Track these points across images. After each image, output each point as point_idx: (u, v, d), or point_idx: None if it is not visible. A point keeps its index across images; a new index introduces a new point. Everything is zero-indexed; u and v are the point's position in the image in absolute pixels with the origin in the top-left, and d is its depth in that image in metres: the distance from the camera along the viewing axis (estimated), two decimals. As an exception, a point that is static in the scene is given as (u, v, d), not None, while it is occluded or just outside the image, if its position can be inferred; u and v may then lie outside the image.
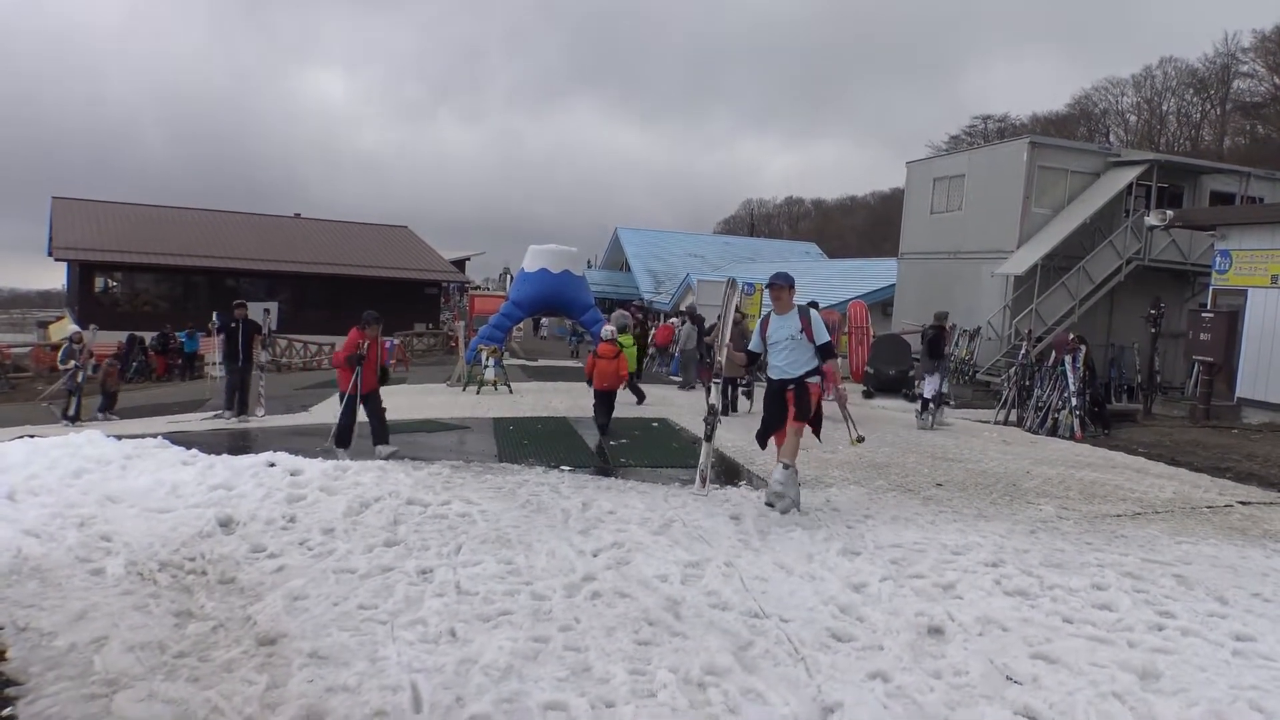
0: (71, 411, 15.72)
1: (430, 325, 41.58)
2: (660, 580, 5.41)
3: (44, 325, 51.12)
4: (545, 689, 3.91)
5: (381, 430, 10.04)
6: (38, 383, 29.35)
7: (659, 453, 10.42)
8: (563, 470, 8.87)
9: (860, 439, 7.96)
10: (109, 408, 16.70)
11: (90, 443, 7.73)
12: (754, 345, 7.80)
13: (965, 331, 23.07)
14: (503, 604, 4.92)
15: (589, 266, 46.59)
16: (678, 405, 15.48)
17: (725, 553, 6.06)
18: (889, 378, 20.03)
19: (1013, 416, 15.54)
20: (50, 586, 5.07)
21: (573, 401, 15.38)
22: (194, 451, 7.95)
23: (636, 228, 52.08)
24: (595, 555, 5.82)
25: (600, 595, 5.13)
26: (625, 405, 13.56)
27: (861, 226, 73.58)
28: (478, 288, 45.30)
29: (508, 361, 20.12)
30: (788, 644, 4.56)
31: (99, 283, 40.71)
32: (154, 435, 8.82)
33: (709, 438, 7.90)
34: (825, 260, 48.78)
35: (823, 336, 7.46)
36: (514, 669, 4.13)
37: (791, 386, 7.41)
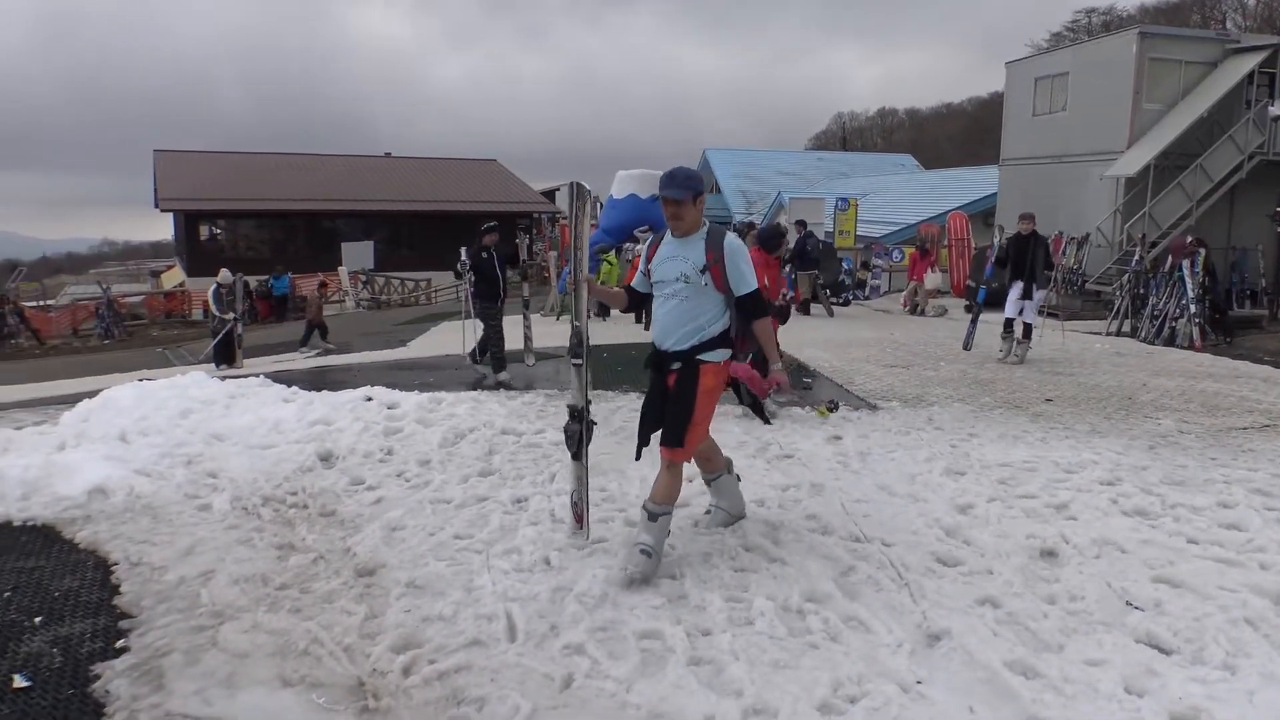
0: (225, 360, 14.96)
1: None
2: (757, 505, 5.29)
3: (156, 274, 53.21)
4: (640, 617, 3.85)
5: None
6: (152, 329, 30.63)
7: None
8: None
9: (832, 407, 5.65)
10: (315, 339, 16.68)
11: (196, 384, 7.93)
12: (636, 282, 4.73)
13: (1073, 239, 22.05)
14: (597, 531, 4.86)
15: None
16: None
17: (824, 475, 5.90)
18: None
19: (1126, 327, 14.85)
20: (161, 522, 5.22)
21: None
22: (294, 389, 8.11)
23: (725, 147, 51.17)
24: (690, 480, 5.70)
25: (695, 521, 5.05)
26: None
27: (958, 135, 70.77)
28: (568, 217, 45.17)
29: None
30: (891, 569, 4.40)
31: (204, 231, 42.03)
32: (257, 375, 9.02)
33: (576, 455, 4.52)
34: (921, 171, 47.16)
35: (744, 281, 4.36)
36: (609, 597, 4.08)
37: (675, 368, 4.41)
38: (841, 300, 21.05)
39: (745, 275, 4.35)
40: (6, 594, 4.41)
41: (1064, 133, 23.63)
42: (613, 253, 20.23)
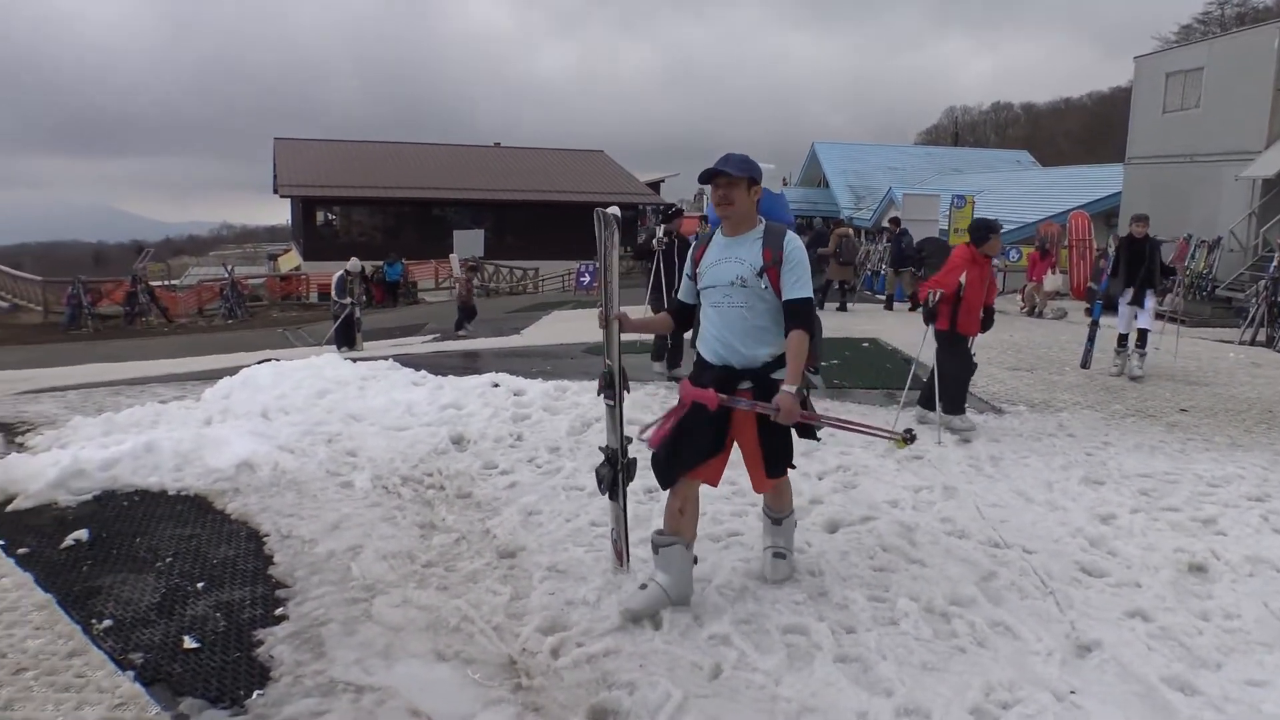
0: (346, 343, 15.48)
1: (627, 249, 42.05)
2: (890, 505, 5.25)
3: (273, 258, 55.17)
4: (783, 611, 3.86)
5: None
6: (271, 311, 31.77)
7: (873, 373, 10.10)
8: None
9: (909, 438, 4.17)
10: (467, 321, 16.98)
11: (330, 365, 8.22)
12: (682, 293, 4.27)
13: (1203, 242, 21.13)
14: (731, 524, 4.90)
15: (783, 184, 45.70)
16: (889, 323, 14.98)
17: (956, 478, 5.81)
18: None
19: (1261, 336, 14.17)
20: (306, 498, 5.43)
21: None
22: (423, 373, 8.33)
23: (833, 141, 50.55)
24: (820, 478, 5.70)
25: (830, 519, 5.03)
26: (832, 327, 13.23)
27: (1077, 131, 68.38)
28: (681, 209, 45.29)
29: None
30: (1034, 576, 4.32)
31: (319, 216, 43.42)
32: (385, 358, 9.30)
33: (614, 496, 4.20)
34: (1038, 169, 45.74)
35: (800, 284, 3.83)
36: (749, 590, 4.10)
37: (746, 388, 3.88)
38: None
39: (802, 278, 3.84)
40: (169, 559, 4.66)
41: (1196, 131, 22.66)
42: None
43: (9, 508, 5.42)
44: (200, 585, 4.29)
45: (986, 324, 7.38)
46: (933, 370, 7.27)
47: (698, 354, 4.07)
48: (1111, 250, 10.71)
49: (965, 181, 38.16)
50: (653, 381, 9.16)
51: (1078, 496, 5.52)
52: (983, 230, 7.38)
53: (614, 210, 3.99)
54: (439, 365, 9.65)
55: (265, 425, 6.69)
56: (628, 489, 4.22)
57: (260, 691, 3.31)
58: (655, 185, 49.26)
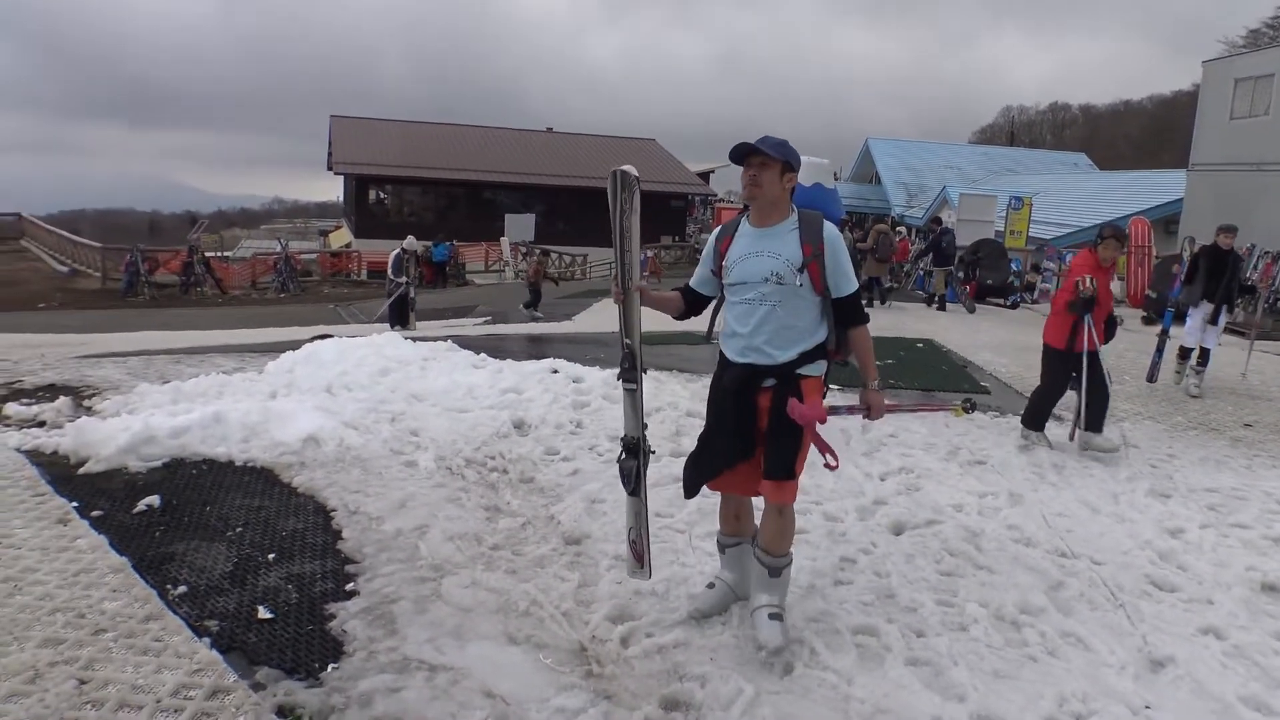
0: (400, 322, 15.54)
1: (676, 238, 42.03)
2: (955, 509, 5.21)
3: (324, 234, 55.81)
4: (851, 612, 3.86)
5: None
6: (323, 286, 32.14)
7: (929, 375, 9.98)
8: (831, 389, 8.67)
9: (969, 407, 4.52)
10: (536, 304, 17.04)
11: (390, 343, 8.31)
12: (698, 281, 3.83)
13: (1266, 252, 20.67)
14: (798, 522, 4.88)
15: (834, 179, 45.42)
16: (942, 323, 14.84)
17: (1021, 485, 5.75)
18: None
19: (1327, 351, 13.84)
20: (371, 475, 5.49)
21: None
22: (482, 356, 8.39)
23: (887, 138, 50.06)
24: (883, 479, 5.67)
25: (895, 520, 5.00)
26: (883, 325, 13.13)
27: (1137, 135, 67.12)
28: (723, 200, 45.21)
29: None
30: (1103, 588, 4.27)
31: (371, 195, 43.81)
32: (444, 339, 9.37)
33: (633, 490, 3.72)
34: (1096, 172, 44.94)
35: (848, 280, 3.57)
36: (816, 588, 4.10)
37: (770, 385, 3.56)
38: (1009, 303, 20.37)
39: (848, 273, 3.53)
40: (239, 528, 4.74)
41: (1266, 139, 22.14)
42: None
43: (81, 470, 5.55)
44: (271, 557, 4.36)
45: (1109, 334, 6.98)
46: (1040, 387, 7.02)
47: (720, 352, 3.74)
48: (1187, 256, 10.31)
49: (1021, 183, 37.57)
50: (706, 375, 9.15)
51: (1145, 509, 5.44)
52: (1120, 236, 7.03)
53: (631, 169, 3.53)
54: (494, 348, 9.71)
55: (330, 400, 6.78)
56: (647, 483, 3.80)
57: (335, 665, 3.36)
58: (705, 175, 49.07)
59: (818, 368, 3.61)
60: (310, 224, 73.63)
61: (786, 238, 3.51)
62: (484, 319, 15.77)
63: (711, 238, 3.79)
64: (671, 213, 43.36)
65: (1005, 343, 12.79)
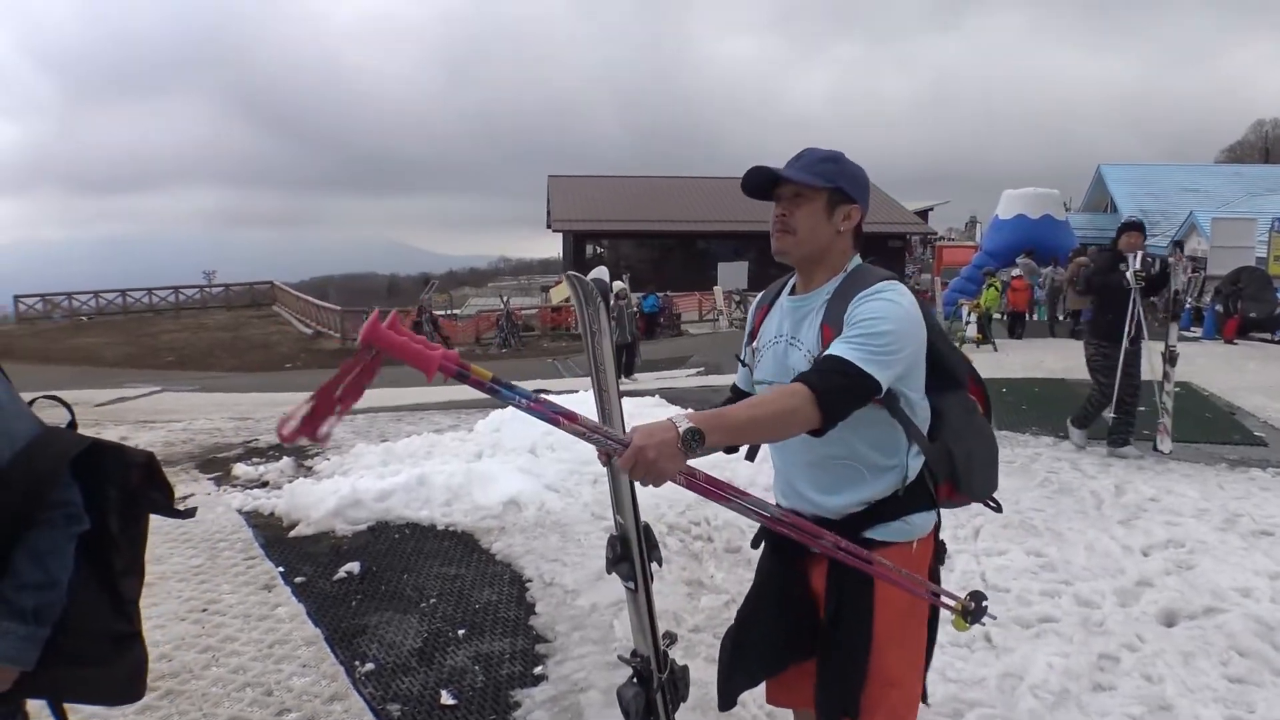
0: (625, 372, 15.27)
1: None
2: (1241, 595, 4.30)
3: (546, 289, 57.86)
4: (1122, 729, 3.15)
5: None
6: (543, 341, 33.10)
7: (1189, 424, 8.58)
8: (1063, 439, 7.71)
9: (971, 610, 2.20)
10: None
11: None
12: (742, 380, 2.40)
13: None
14: (1041, 606, 4.17)
15: (1065, 209, 42.65)
16: (1198, 364, 13.24)
17: (1329, 564, 4.74)
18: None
19: None
20: (570, 541, 5.23)
21: (1068, 360, 13.78)
22: (688, 411, 8.04)
23: (1121, 163, 46.60)
24: (1146, 554, 4.82)
25: (1165, 608, 4.18)
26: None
27: None
28: (942, 238, 43.44)
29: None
30: None
31: (588, 249, 45.07)
32: (651, 393, 9.12)
33: (639, 587, 2.31)
34: (1376, 189, 39.92)
35: (845, 344, 1.93)
36: (1070, 694, 3.40)
37: (835, 548, 2.02)
38: (1277, 338, 18.16)
39: (858, 339, 1.93)
40: (433, 599, 4.58)
41: None
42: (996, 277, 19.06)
43: (292, 533, 5.61)
44: (461, 633, 4.19)
45: None
46: None
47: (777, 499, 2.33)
48: None
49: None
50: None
51: None
52: None
53: (599, 272, 2.28)
54: (705, 400, 9.36)
55: (533, 462, 6.61)
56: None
57: (515, 765, 3.03)
58: (924, 214, 47.35)
59: (906, 528, 2.14)
60: (533, 280, 76.66)
61: (815, 315, 2.13)
62: (697, 369, 15.50)
63: (750, 310, 2.45)
64: (890, 253, 41.98)
65: (1277, 386, 11.17)
